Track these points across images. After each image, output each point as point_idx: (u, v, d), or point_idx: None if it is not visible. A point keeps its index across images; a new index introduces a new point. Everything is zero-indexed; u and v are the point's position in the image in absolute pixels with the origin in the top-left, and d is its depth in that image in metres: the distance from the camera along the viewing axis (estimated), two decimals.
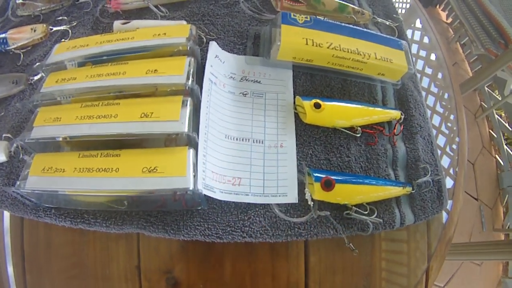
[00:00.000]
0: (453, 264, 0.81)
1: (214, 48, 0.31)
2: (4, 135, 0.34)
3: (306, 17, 0.31)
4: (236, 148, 0.28)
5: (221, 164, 0.27)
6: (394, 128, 0.33)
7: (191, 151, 0.25)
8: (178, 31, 0.30)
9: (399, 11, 0.46)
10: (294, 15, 0.31)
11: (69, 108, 0.31)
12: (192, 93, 0.27)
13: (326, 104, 0.29)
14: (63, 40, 0.38)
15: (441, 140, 0.45)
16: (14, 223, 0.33)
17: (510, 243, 0.72)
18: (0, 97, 0.37)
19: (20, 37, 0.40)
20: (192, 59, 0.28)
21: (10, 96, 0.37)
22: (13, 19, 0.43)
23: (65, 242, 0.32)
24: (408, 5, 0.57)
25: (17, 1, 0.43)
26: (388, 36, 0.34)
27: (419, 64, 0.53)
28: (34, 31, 0.40)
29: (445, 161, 0.41)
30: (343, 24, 0.32)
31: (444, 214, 0.35)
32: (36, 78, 0.36)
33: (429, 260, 0.33)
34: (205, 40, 0.33)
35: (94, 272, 0.31)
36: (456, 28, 1.02)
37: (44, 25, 0.39)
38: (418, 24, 0.55)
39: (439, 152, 0.36)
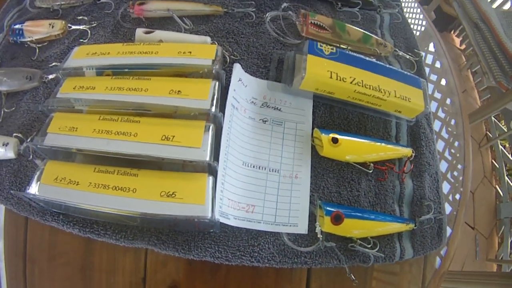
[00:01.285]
0: None
1: (238, 70, 0.31)
2: (14, 134, 0.34)
3: (332, 49, 0.32)
4: (252, 176, 0.29)
5: (237, 191, 0.28)
6: (404, 166, 0.34)
7: (211, 178, 0.26)
8: (204, 52, 0.31)
9: (415, 32, 0.47)
10: (320, 46, 0.32)
11: (86, 118, 0.31)
12: (214, 118, 0.28)
13: (343, 139, 0.31)
14: (81, 40, 0.39)
15: (443, 166, 0.47)
16: (18, 223, 0.34)
17: (502, 275, 0.75)
18: (12, 90, 0.37)
19: (37, 30, 0.40)
20: (217, 83, 0.29)
21: (22, 91, 0.37)
22: (30, 10, 0.43)
23: (70, 248, 0.32)
24: (423, 28, 0.58)
25: None
26: (408, 74, 0.35)
27: (429, 88, 0.54)
28: (52, 27, 0.40)
29: (445, 187, 0.42)
30: (367, 59, 0.33)
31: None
32: (50, 77, 0.37)
33: None
34: (228, 60, 0.34)
35: (98, 281, 0.32)
36: (469, 55, 1.04)
37: (63, 22, 0.40)
38: (431, 47, 0.56)
39: None
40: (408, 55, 0.40)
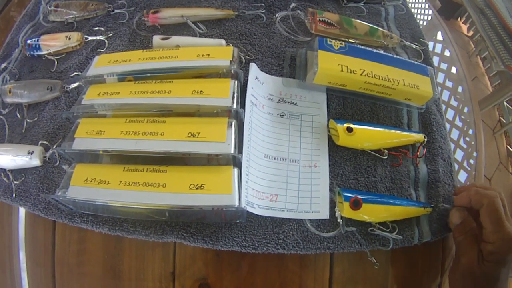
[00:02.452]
0: None
1: (254, 70, 0.35)
2: (40, 142, 0.38)
3: (341, 44, 0.36)
4: (274, 167, 0.33)
5: (260, 181, 0.32)
6: (418, 151, 0.37)
7: (236, 170, 0.30)
8: (221, 53, 0.34)
9: (421, 23, 0.51)
10: (330, 41, 0.35)
11: (113, 122, 0.35)
12: (236, 114, 0.32)
13: (357, 128, 0.34)
14: (99, 49, 0.43)
15: (459, 155, 0.49)
16: (45, 225, 0.37)
17: None
18: (33, 102, 0.41)
19: (54, 44, 0.44)
20: (236, 82, 0.33)
21: (44, 101, 0.41)
22: (45, 24, 0.47)
23: (99, 247, 0.36)
24: (430, 17, 0.62)
25: (49, 7, 0.47)
26: (415, 63, 0.38)
27: (440, 77, 0.57)
28: (69, 39, 0.44)
29: (462, 176, 0.45)
30: (375, 51, 0.37)
31: None
32: (72, 86, 0.41)
33: (442, 275, 0.38)
34: (244, 60, 0.37)
35: (128, 278, 0.35)
36: (477, 41, 1.08)
37: (79, 34, 0.44)
38: (439, 36, 0.60)
39: (456, 166, 0.41)
40: (415, 44, 0.43)
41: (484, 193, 0.31)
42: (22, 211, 0.38)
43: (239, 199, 0.29)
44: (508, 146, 1.07)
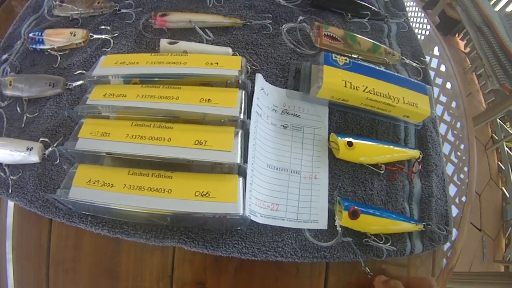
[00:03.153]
0: None
1: (260, 80, 0.37)
2: (41, 139, 0.39)
3: (346, 59, 0.38)
4: (275, 177, 0.35)
5: (263, 191, 0.34)
6: (413, 167, 0.40)
7: (241, 179, 0.31)
8: (230, 63, 0.36)
9: (419, 37, 0.53)
10: (335, 57, 0.37)
11: (118, 124, 0.35)
12: (242, 124, 0.33)
13: (357, 143, 0.36)
14: (104, 48, 0.44)
15: (449, 169, 0.52)
16: (41, 224, 0.38)
17: (509, 275, 0.82)
18: (33, 97, 0.42)
19: (58, 39, 0.45)
20: (244, 92, 0.34)
21: (45, 97, 0.42)
22: (49, 18, 0.47)
23: (96, 248, 0.36)
24: (427, 32, 0.65)
25: (54, 1, 0.47)
26: (415, 81, 0.41)
27: (435, 92, 0.60)
28: (74, 35, 0.44)
29: (452, 190, 0.48)
30: (377, 68, 0.39)
31: (448, 243, 0.42)
32: (75, 84, 0.41)
33: None
34: (249, 70, 0.39)
35: (125, 279, 0.36)
36: (473, 58, 1.13)
37: (85, 31, 0.44)
38: (436, 51, 0.63)
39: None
40: (415, 63, 0.46)
41: None
42: (10, 204, 0.38)
43: (243, 208, 0.31)
44: (499, 162, 1.12)
